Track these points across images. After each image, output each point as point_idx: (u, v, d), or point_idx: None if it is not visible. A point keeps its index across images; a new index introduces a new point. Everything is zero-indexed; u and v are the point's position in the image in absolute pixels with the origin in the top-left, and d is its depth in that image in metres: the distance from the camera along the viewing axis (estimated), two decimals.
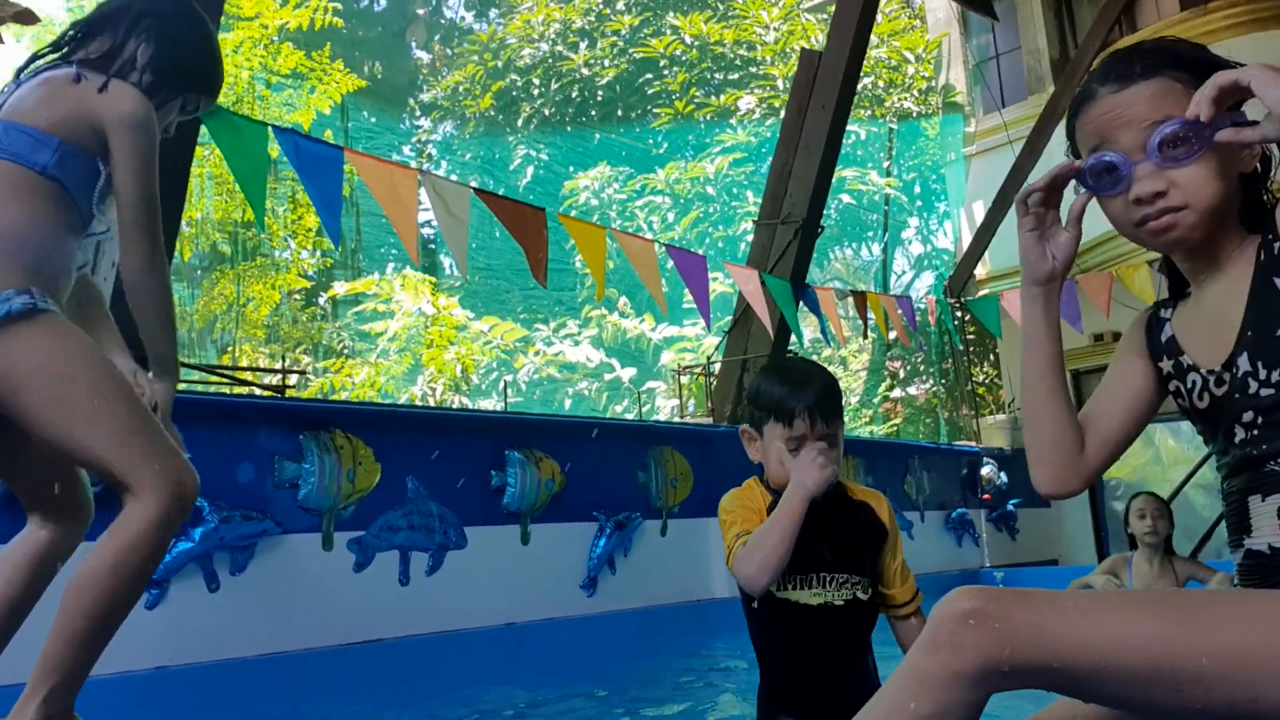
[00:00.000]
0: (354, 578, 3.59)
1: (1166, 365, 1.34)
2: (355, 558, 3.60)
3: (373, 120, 13.39)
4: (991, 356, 9.89)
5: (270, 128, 3.03)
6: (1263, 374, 1.20)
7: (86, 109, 1.73)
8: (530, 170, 12.79)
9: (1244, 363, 1.22)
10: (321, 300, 10.63)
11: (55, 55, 1.87)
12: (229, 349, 8.92)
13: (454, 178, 14.70)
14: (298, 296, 9.91)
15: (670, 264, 4.80)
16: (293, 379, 4.22)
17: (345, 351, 9.93)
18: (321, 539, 3.51)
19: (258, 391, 4.07)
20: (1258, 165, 1.28)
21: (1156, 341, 1.36)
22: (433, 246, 11.01)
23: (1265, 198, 1.29)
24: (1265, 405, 1.20)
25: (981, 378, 10.01)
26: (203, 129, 3.04)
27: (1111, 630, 1.06)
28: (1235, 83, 1.11)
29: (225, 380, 4.07)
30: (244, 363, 8.25)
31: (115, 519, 1.66)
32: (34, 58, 1.89)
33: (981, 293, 8.60)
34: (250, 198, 3.03)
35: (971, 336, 9.53)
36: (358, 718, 3.13)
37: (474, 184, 13.96)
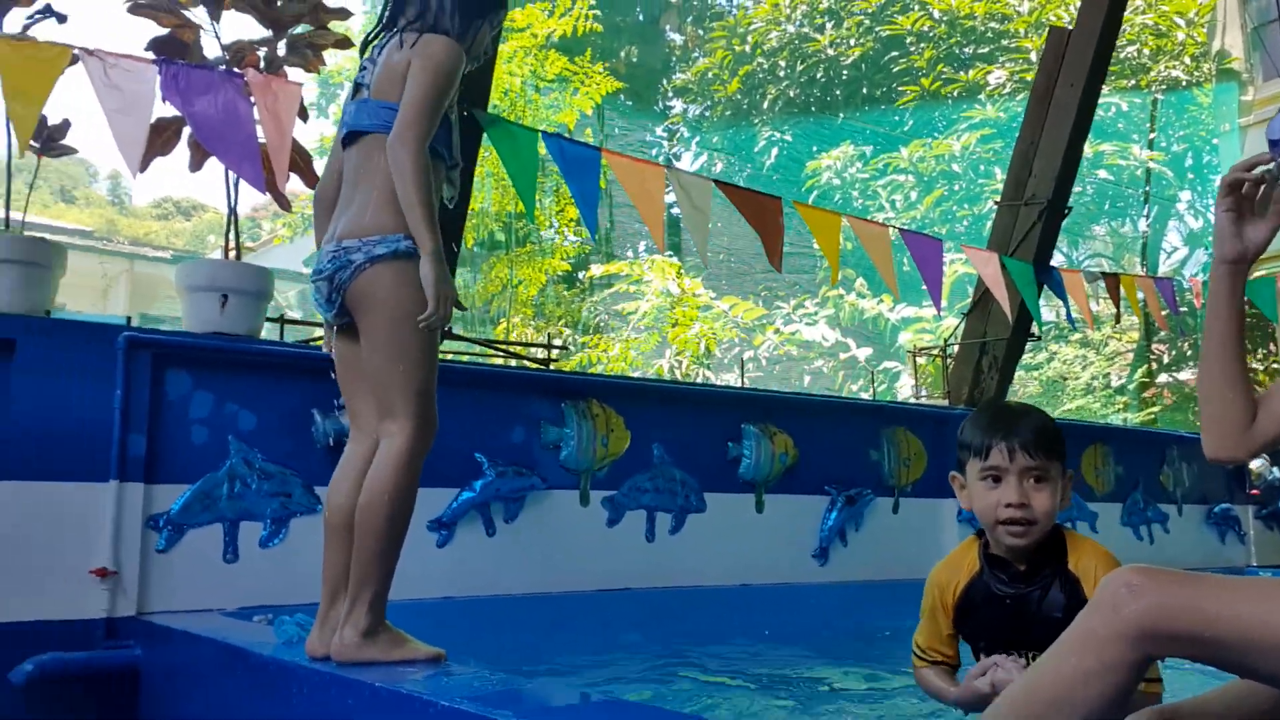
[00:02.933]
0: (606, 532, 4.01)
1: None
2: (608, 514, 4.02)
3: (629, 104, 14.05)
4: (1271, 344, 9.12)
5: (540, 133, 3.48)
6: None
7: (413, 67, 2.10)
8: (774, 152, 12.99)
9: None
10: (587, 275, 11.46)
11: (382, 31, 2.25)
12: (503, 324, 9.91)
13: (703, 159, 15.18)
14: (561, 281, 10.79)
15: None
16: (555, 353, 4.73)
17: (600, 328, 10.67)
18: (579, 496, 3.95)
19: (527, 364, 4.59)
20: None
21: None
22: (680, 225, 11.54)
23: None
24: None
25: (1258, 365, 9.26)
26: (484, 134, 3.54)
27: (1259, 609, 1.15)
28: None
29: (501, 354, 4.62)
30: (515, 337, 9.13)
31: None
32: (367, 41, 2.28)
33: (1259, 273, 7.96)
34: (522, 193, 3.49)
35: (1250, 320, 8.84)
36: (607, 650, 3.53)
37: (720, 166, 14.27)
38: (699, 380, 9.70)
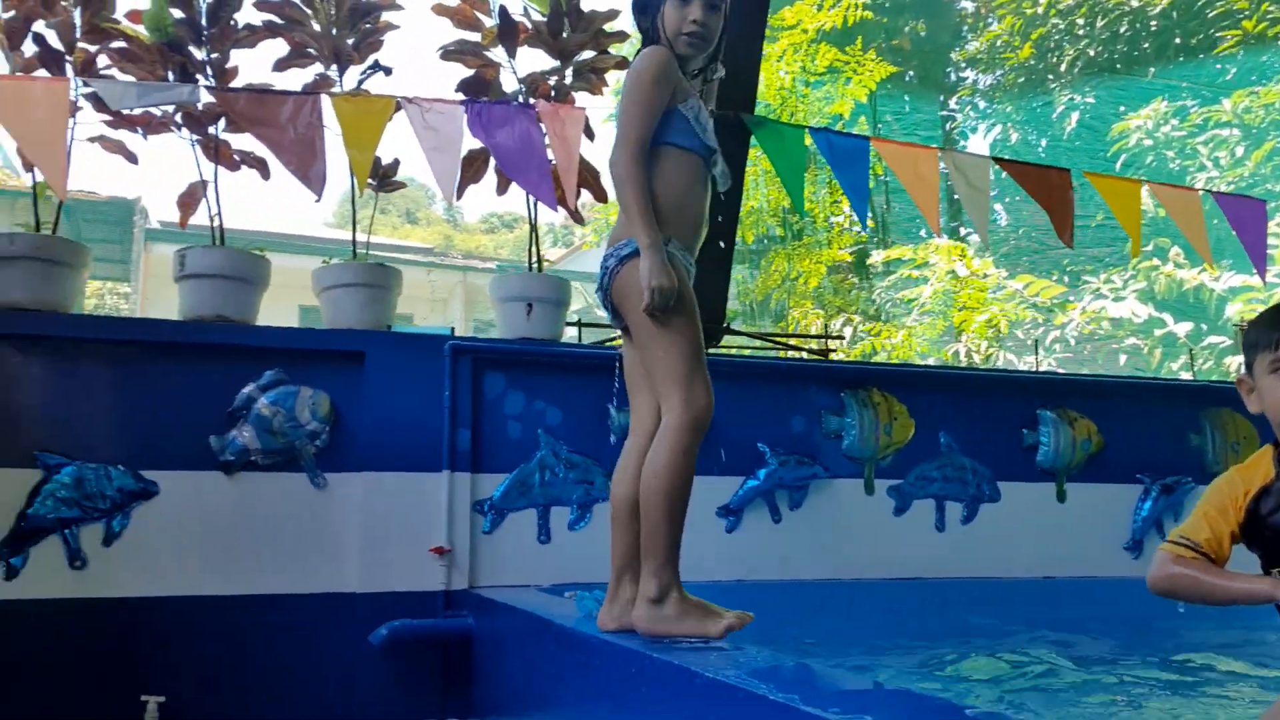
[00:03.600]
0: (894, 520, 4.01)
1: None
2: (894, 503, 4.02)
3: (914, 81, 13.62)
4: None
5: (806, 129, 3.55)
6: None
7: None
8: (1074, 117, 12.08)
9: None
10: (867, 263, 11.33)
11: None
12: (784, 318, 10.02)
13: (996, 131, 14.38)
14: (842, 271, 10.73)
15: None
16: (834, 343, 4.78)
17: (882, 316, 10.50)
18: (863, 484, 3.98)
19: (805, 355, 4.67)
20: None
21: None
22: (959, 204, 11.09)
23: None
24: None
25: None
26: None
27: None
28: None
29: (779, 346, 4.74)
30: (796, 329, 9.22)
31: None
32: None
33: None
34: (790, 190, 3.59)
35: None
36: (903, 637, 3.53)
37: (1016, 137, 13.43)
38: (997, 364, 9.27)
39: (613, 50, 3.49)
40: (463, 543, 3.34)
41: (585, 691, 2.14)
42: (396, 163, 3.45)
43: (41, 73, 3.00)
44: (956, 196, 4.24)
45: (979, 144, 14.28)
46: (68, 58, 3.04)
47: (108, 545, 3.04)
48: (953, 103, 15.14)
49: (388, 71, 3.37)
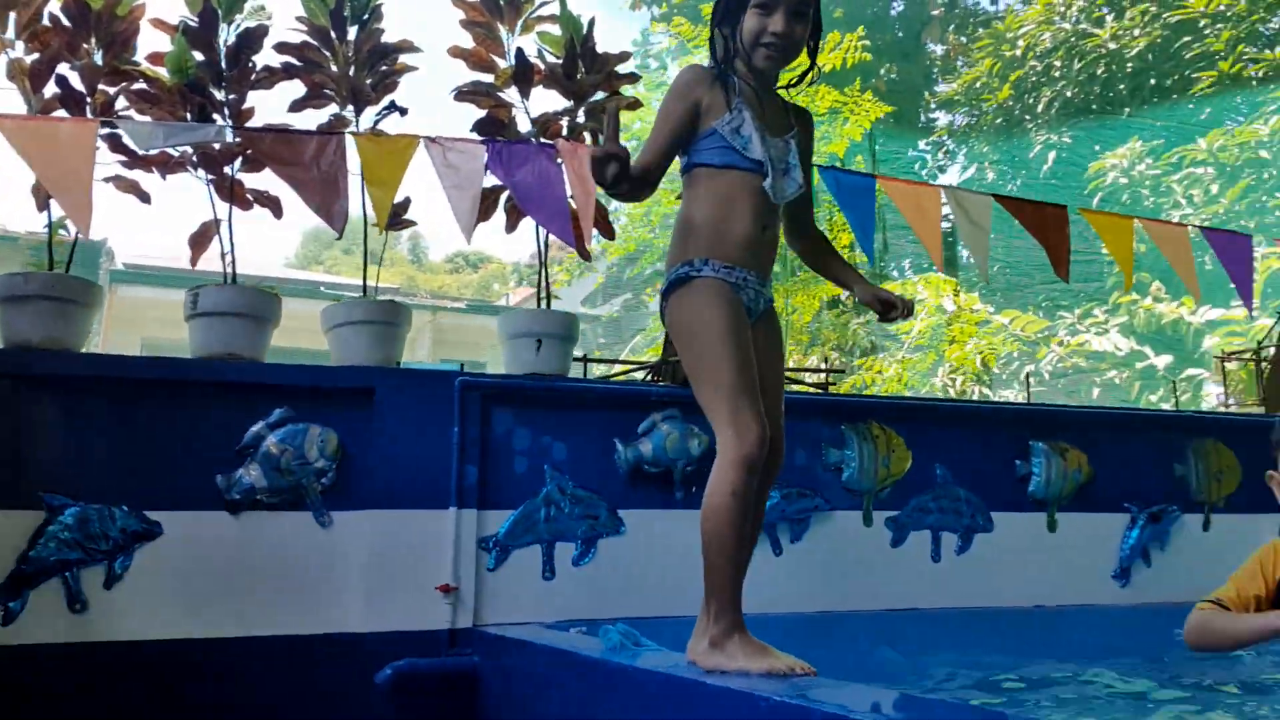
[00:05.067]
0: (891, 552, 4.06)
1: None
2: (892, 534, 4.07)
3: (890, 121, 13.89)
4: None
5: (815, 167, 3.64)
6: None
7: None
8: (1051, 156, 12.36)
9: None
10: (843, 300, 11.49)
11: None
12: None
13: (971, 170, 14.69)
14: (836, 307, 10.87)
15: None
16: (832, 376, 4.86)
17: (874, 349, 10.63)
18: (862, 516, 4.03)
19: (805, 388, 4.74)
20: None
21: None
22: (950, 240, 11.26)
23: None
24: None
25: None
26: None
27: None
28: None
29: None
30: (792, 364, 9.32)
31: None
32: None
33: None
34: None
35: None
36: (904, 665, 3.56)
37: (991, 176, 13.72)
38: (975, 398, 9.39)
39: (624, 91, 3.58)
40: (468, 580, 3.35)
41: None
42: (408, 201, 3.51)
43: (61, 113, 3.04)
44: (944, 229, 4.33)
45: (952, 183, 14.58)
46: (88, 99, 3.08)
47: (109, 588, 3.02)
48: (923, 144, 15.46)
49: (403, 112, 3.43)
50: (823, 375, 4.68)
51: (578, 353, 3.97)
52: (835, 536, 3.95)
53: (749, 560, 2.23)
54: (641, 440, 3.64)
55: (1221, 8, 11.55)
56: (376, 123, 3.44)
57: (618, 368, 4.66)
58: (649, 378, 4.19)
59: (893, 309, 2.32)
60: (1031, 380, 9.88)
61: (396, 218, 3.49)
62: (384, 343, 3.47)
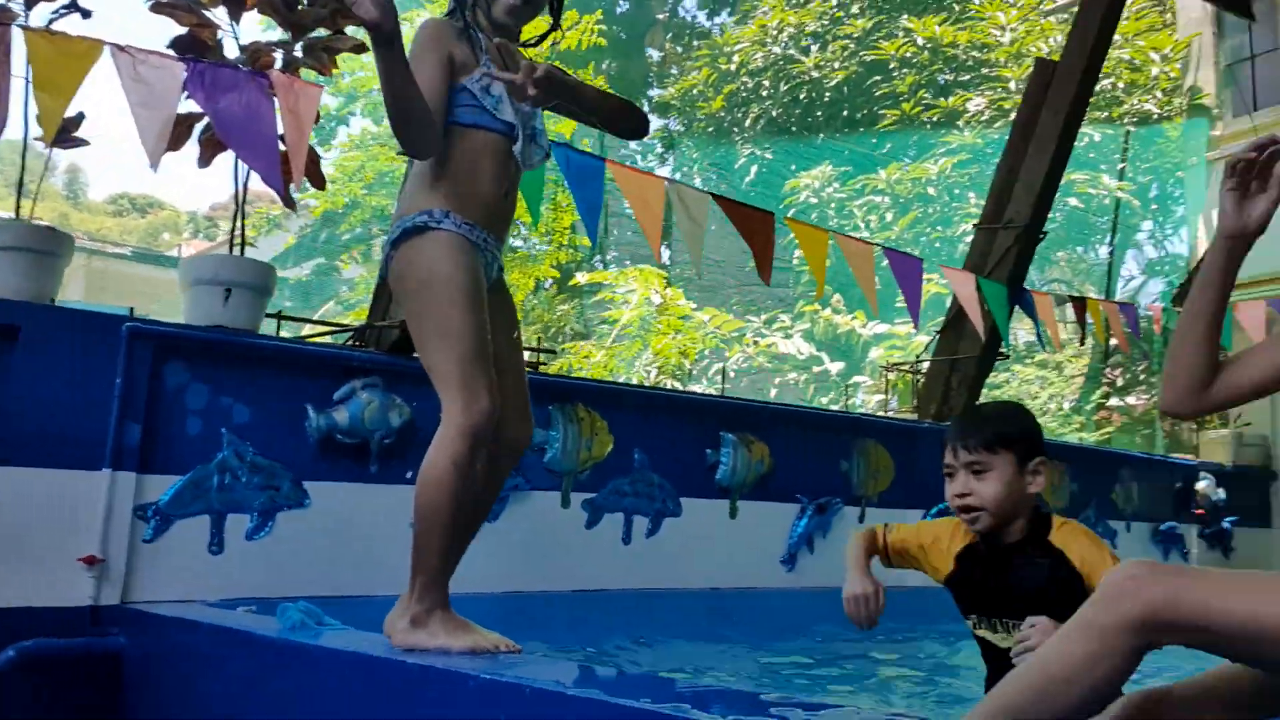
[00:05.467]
0: (585, 533, 4.09)
1: None
2: (587, 516, 4.11)
3: None
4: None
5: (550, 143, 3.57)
6: None
7: None
8: (754, 169, 13.20)
9: None
10: (571, 283, 11.58)
11: None
12: None
13: (679, 175, 15.36)
14: (548, 286, 10.92)
15: (885, 263, 5.04)
16: (542, 356, 4.82)
17: (586, 334, 10.81)
18: (560, 497, 4.03)
19: None
20: None
21: None
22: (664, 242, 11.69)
23: None
24: None
25: None
26: None
27: (1252, 599, 1.26)
28: None
29: None
30: None
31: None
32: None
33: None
34: (530, 202, 3.59)
35: None
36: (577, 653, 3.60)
37: (699, 180, 14.41)
38: (667, 388, 9.85)
39: (349, 32, 3.30)
40: (119, 551, 2.96)
41: (302, 706, 1.97)
42: (81, 116, 3.02)
43: None
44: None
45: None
46: None
47: None
48: (634, 144, 15.99)
49: (85, 14, 2.95)
50: (533, 354, 4.63)
51: (271, 309, 3.64)
52: (533, 516, 3.92)
53: (467, 541, 2.13)
54: (337, 408, 3.40)
55: (908, 55, 12.87)
56: (52, 20, 2.93)
57: (315, 328, 4.34)
58: (350, 342, 3.93)
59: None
60: (719, 377, 10.52)
61: (66, 134, 3.00)
62: (37, 275, 2.97)
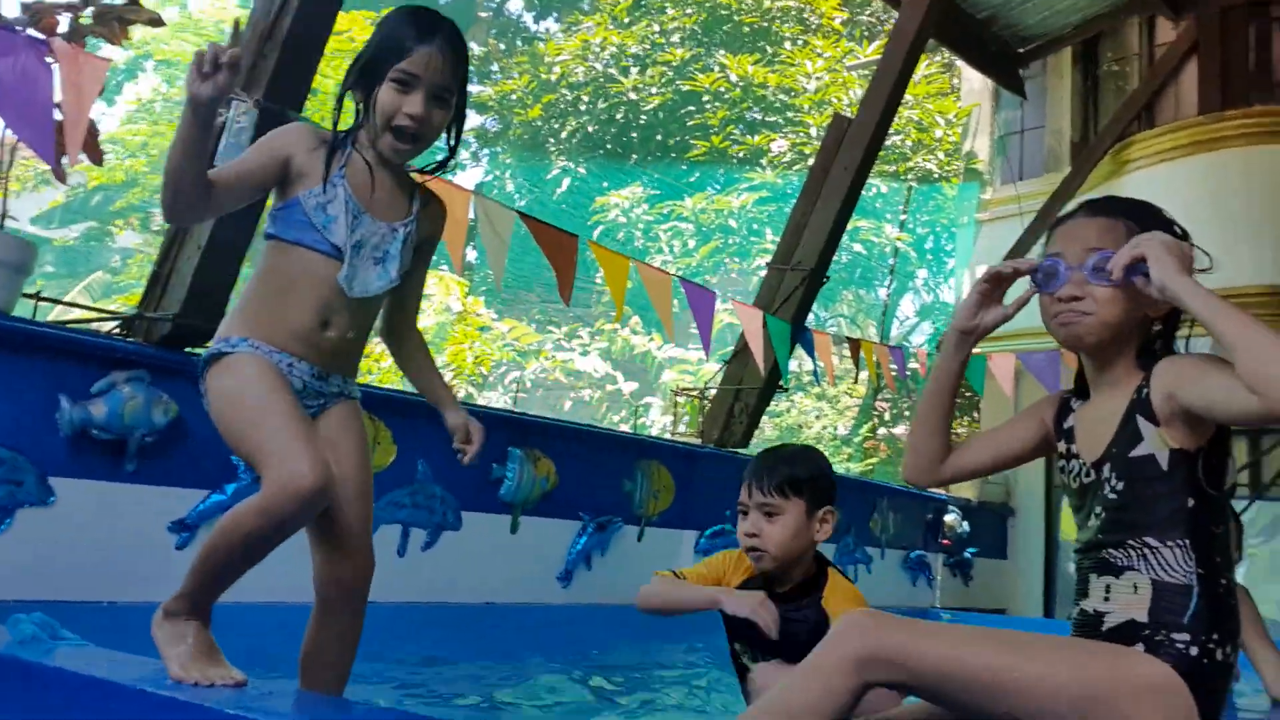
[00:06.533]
0: None
1: (1063, 447, 1.75)
2: None
3: None
4: (975, 412, 10.29)
5: None
6: (1115, 483, 1.61)
7: None
8: (566, 182, 13.29)
9: (1106, 470, 1.63)
10: None
11: None
12: None
13: (492, 177, 15.25)
14: None
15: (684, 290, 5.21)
16: None
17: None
18: None
19: None
20: (1162, 320, 1.65)
21: (1061, 425, 1.76)
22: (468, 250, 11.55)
23: (1157, 346, 1.67)
24: (1111, 505, 1.61)
25: (963, 430, 10.43)
26: None
27: (955, 650, 1.50)
28: (1140, 255, 1.52)
29: None
30: None
31: None
32: None
33: (976, 352, 8.98)
34: None
35: (963, 390, 9.95)
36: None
37: (510, 185, 14.32)
38: (461, 398, 9.75)
39: (145, 4, 3.10)
40: None
41: None
42: None
43: None
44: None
45: (466, 184, 15.09)
46: None
47: None
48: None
49: None
50: None
51: (29, 289, 3.36)
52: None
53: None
54: (94, 401, 3.17)
55: (721, 90, 13.38)
56: None
57: (78, 313, 4.03)
58: (117, 330, 3.68)
59: (469, 444, 2.13)
60: (514, 388, 10.52)
61: None
62: None
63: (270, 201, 1.96)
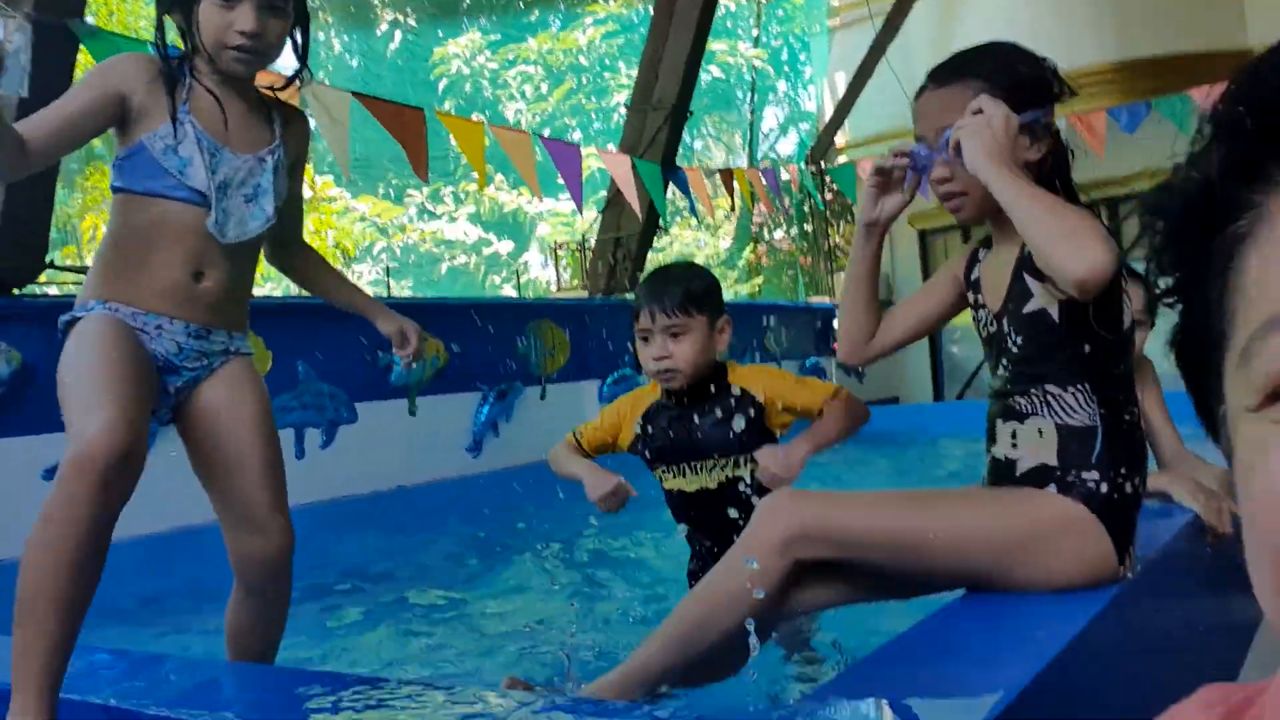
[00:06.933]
0: None
1: (971, 297, 1.80)
2: None
3: None
4: (849, 216, 10.42)
5: (149, 44, 3.11)
6: (1014, 337, 1.64)
7: None
8: (398, 35, 12.46)
9: (1005, 324, 1.66)
10: None
11: None
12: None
13: (318, 41, 14.16)
14: None
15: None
16: None
17: None
18: None
19: None
20: (1052, 157, 1.62)
21: (969, 276, 1.80)
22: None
23: (1056, 184, 1.61)
24: (1014, 358, 1.65)
25: (839, 239, 10.60)
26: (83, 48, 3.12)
27: (876, 518, 1.55)
28: (957, 140, 1.52)
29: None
30: None
31: None
32: None
33: (841, 160, 9.04)
34: None
35: (829, 198, 10.02)
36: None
37: (338, 47, 13.34)
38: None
39: None
40: None
41: None
42: None
43: None
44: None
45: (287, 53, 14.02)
46: None
47: None
48: None
49: None
50: None
51: None
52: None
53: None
54: None
55: None
56: None
57: None
58: None
59: (406, 343, 2.01)
60: (385, 258, 10.15)
61: None
62: None
63: (112, 147, 1.72)
